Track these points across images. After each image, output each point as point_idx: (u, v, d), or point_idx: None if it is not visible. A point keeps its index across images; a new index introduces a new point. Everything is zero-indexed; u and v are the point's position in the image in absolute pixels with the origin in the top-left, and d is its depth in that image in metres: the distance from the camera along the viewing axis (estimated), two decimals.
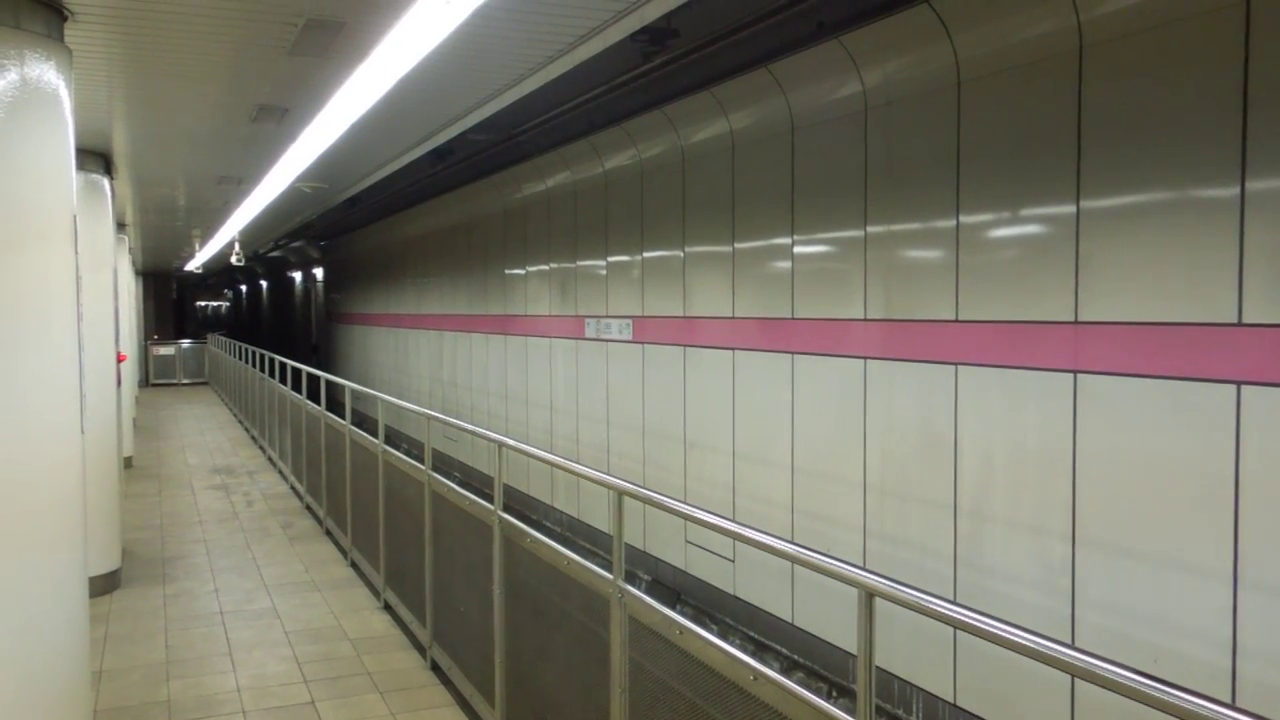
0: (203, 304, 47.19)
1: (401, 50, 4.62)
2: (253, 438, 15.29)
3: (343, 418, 8.07)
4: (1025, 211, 5.05)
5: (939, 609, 2.05)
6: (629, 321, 9.03)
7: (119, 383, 8.24)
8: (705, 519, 2.95)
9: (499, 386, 12.44)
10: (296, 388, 10.42)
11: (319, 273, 26.06)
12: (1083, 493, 4.73)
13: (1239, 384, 4.05)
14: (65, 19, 3.93)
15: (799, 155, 6.70)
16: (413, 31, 4.33)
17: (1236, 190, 4.05)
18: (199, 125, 6.72)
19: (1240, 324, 4.04)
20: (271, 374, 12.74)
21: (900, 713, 5.78)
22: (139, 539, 8.72)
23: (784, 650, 6.86)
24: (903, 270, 5.84)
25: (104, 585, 6.99)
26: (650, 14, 4.24)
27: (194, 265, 24.81)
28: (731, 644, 2.73)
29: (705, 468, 7.88)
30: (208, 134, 7.03)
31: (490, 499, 4.58)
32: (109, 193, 7.61)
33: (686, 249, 8.09)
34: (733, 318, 7.46)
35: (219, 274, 40.80)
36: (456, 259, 14.14)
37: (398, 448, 6.58)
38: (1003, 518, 5.18)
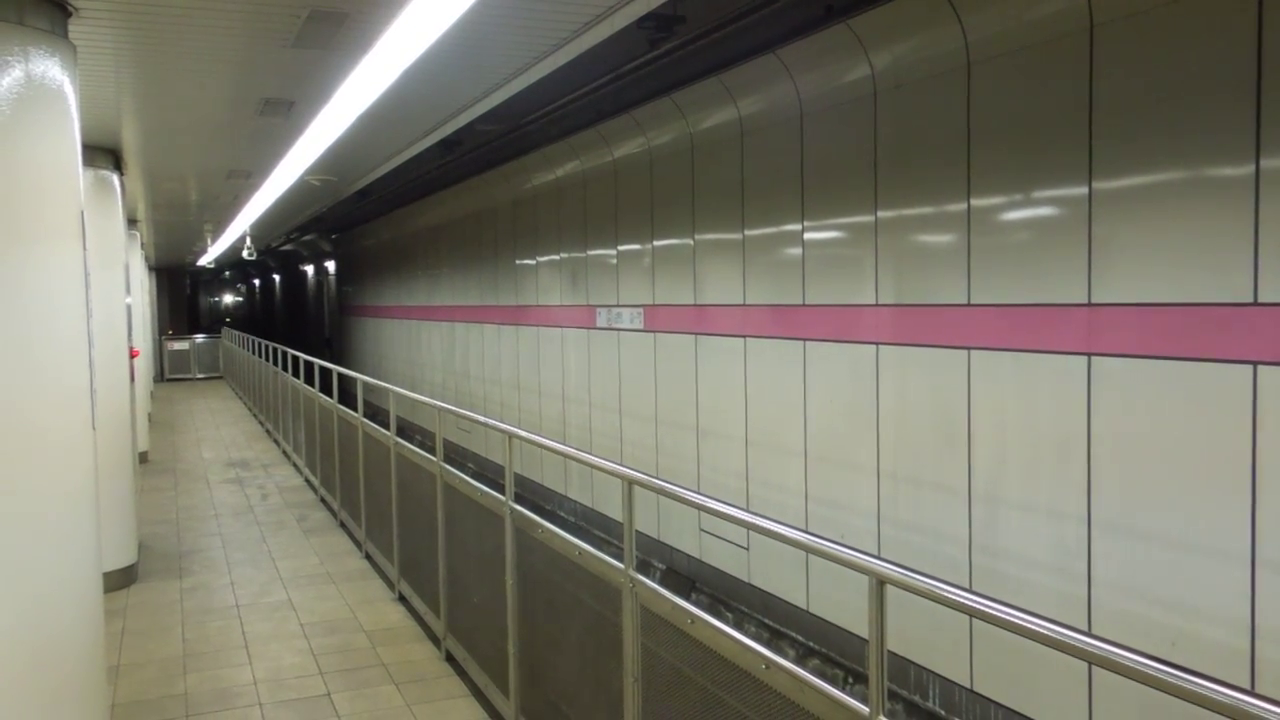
0: (216, 298, 47.39)
1: (405, 40, 4.60)
2: (267, 431, 15.35)
3: (356, 410, 8.09)
4: (1037, 194, 5.00)
5: (950, 595, 2.03)
6: (640, 310, 9.01)
7: (133, 378, 8.27)
8: (715, 507, 2.94)
9: (511, 377, 12.45)
10: (309, 381, 10.44)
11: (331, 266, 26.12)
12: (1098, 476, 4.69)
13: (1255, 364, 4.00)
14: (69, 15, 3.91)
15: (808, 140, 6.65)
16: (416, 21, 4.31)
17: (1251, 168, 4.00)
18: (206, 120, 6.72)
19: (1256, 303, 3.99)
20: (285, 368, 12.78)
21: (917, 698, 5.77)
22: (155, 533, 8.77)
23: (799, 637, 6.85)
24: (914, 255, 5.80)
25: (121, 580, 7.03)
26: None
27: (207, 260, 24.92)
28: (746, 632, 2.72)
29: (718, 456, 7.87)
30: (215, 128, 7.04)
31: (502, 490, 4.57)
32: (119, 189, 7.62)
33: (697, 237, 8.06)
34: (744, 305, 7.43)
35: (232, 268, 41.00)
36: (467, 250, 14.14)
37: (411, 440, 6.59)
38: (1017, 502, 5.15)
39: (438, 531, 5.56)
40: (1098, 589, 4.70)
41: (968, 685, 5.43)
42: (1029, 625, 1.84)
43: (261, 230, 16.73)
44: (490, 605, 4.76)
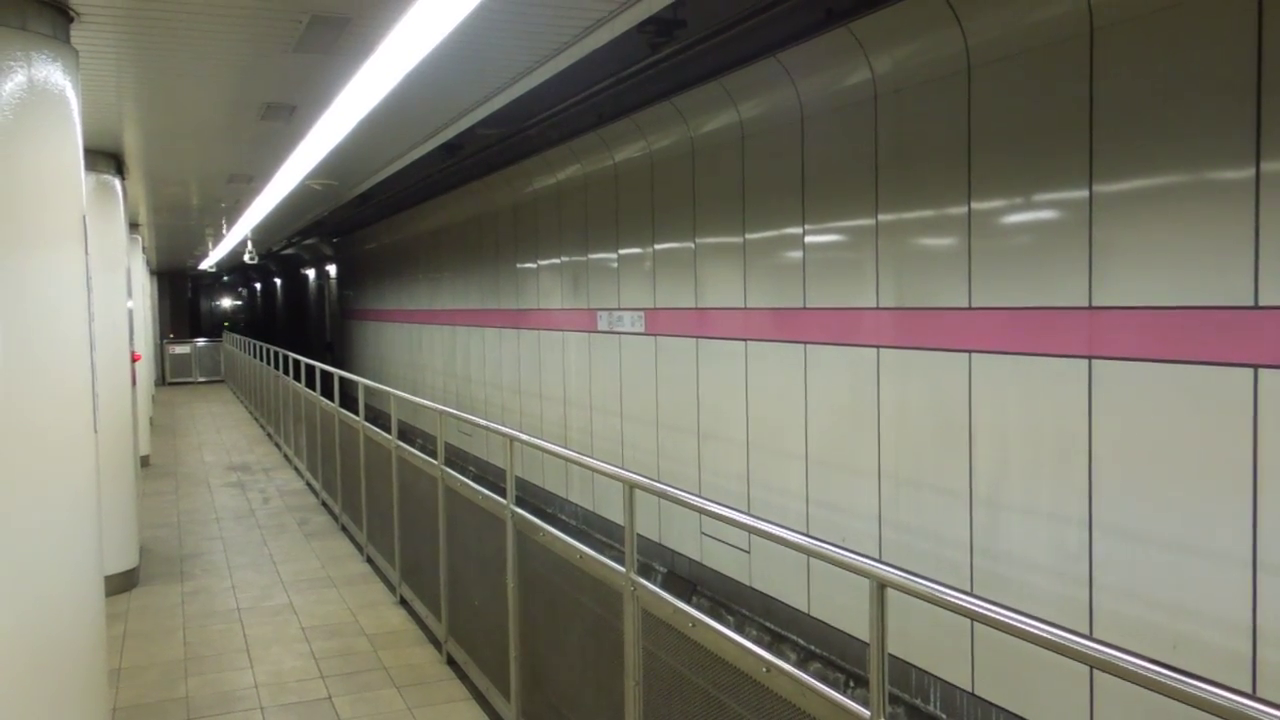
0: (217, 302, 47.40)
1: (407, 45, 4.61)
2: (268, 435, 15.36)
3: (357, 414, 8.09)
4: (1037, 197, 5.00)
5: (951, 599, 2.03)
6: (641, 314, 9.02)
7: (134, 382, 8.28)
8: (716, 510, 2.94)
9: (512, 381, 12.45)
10: (311, 385, 10.45)
11: (332, 269, 26.12)
12: (1099, 479, 4.69)
13: (1256, 367, 4.00)
14: (71, 20, 3.93)
15: (809, 144, 6.66)
16: (417, 26, 4.32)
17: (1251, 172, 4.00)
18: (208, 124, 6.73)
19: (1257, 307, 4.00)
20: (286, 372, 12.79)
21: (918, 702, 5.76)
22: (157, 537, 8.77)
23: (800, 641, 6.85)
24: (915, 258, 5.80)
25: (122, 583, 7.03)
26: (657, 3, 4.22)
27: (208, 264, 24.92)
28: (747, 636, 2.72)
29: (719, 459, 7.87)
30: (217, 133, 7.05)
31: (503, 493, 4.57)
32: (121, 193, 7.63)
33: (698, 240, 8.07)
34: (745, 308, 7.43)
35: (233, 272, 41.00)
36: (468, 254, 14.15)
37: (412, 443, 6.59)
38: (1019, 505, 5.15)
39: (439, 535, 5.56)
40: (1099, 592, 4.70)
41: (969, 689, 5.42)
42: (1030, 629, 1.84)
43: (263, 234, 16.74)
44: (491, 608, 4.76)
